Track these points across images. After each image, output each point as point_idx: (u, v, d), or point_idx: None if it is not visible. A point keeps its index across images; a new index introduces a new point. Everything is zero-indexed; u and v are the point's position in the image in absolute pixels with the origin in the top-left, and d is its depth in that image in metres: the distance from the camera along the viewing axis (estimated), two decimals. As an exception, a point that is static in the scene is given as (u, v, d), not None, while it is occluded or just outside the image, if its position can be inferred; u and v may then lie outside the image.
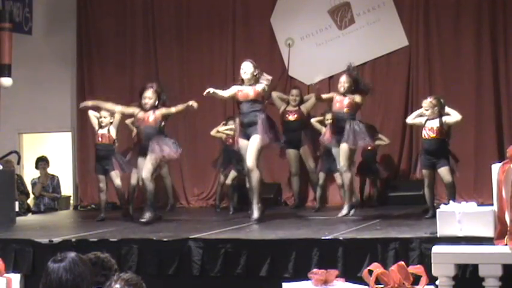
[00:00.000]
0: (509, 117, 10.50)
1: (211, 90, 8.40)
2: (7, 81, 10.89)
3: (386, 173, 10.61)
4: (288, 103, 10.41)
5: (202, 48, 11.77)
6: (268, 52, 11.49)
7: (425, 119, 8.42)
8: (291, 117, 10.32)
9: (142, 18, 12.15)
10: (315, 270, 4.42)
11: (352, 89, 8.64)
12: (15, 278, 5.34)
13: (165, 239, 7.08)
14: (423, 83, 10.83)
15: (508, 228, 5.72)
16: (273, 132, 8.47)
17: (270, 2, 11.56)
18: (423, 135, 8.47)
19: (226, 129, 10.20)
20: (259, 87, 8.43)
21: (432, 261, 5.83)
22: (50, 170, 11.97)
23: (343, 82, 8.67)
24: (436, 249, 5.91)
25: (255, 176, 8.34)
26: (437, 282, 5.64)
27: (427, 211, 8.27)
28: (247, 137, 8.36)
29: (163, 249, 6.95)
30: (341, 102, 8.63)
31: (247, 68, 8.51)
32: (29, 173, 12.31)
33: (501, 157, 8.56)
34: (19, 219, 9.62)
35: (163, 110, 8.70)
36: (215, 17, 11.79)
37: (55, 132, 13.02)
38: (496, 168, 5.91)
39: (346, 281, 4.40)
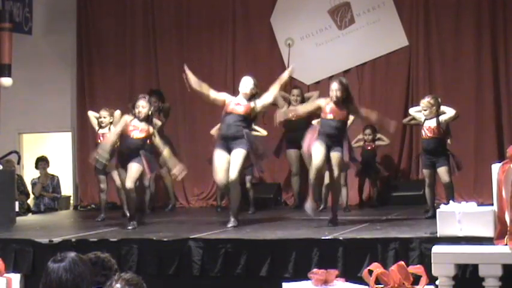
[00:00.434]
0: (509, 117, 10.51)
1: (188, 73, 8.22)
2: (7, 81, 10.89)
3: (386, 173, 10.63)
4: (289, 103, 10.41)
5: (202, 48, 11.76)
6: (268, 52, 11.49)
7: (423, 117, 8.44)
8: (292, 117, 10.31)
9: (143, 18, 12.15)
10: (315, 270, 4.43)
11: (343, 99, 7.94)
12: (15, 278, 5.34)
13: (165, 239, 7.07)
14: (423, 83, 10.83)
15: (508, 228, 5.72)
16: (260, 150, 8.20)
17: (270, 2, 11.56)
18: (422, 135, 8.51)
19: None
20: (252, 103, 8.14)
21: (432, 261, 5.82)
22: (50, 170, 11.98)
23: (335, 90, 7.91)
24: (436, 249, 5.91)
25: (238, 189, 8.18)
26: (437, 282, 5.64)
27: (427, 211, 8.28)
28: (228, 150, 8.01)
29: (163, 249, 6.95)
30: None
31: (247, 83, 8.25)
32: (29, 173, 12.31)
33: (501, 157, 8.55)
34: (19, 219, 9.62)
35: (155, 132, 8.43)
36: (215, 17, 11.79)
37: (55, 132, 13.02)
38: (496, 168, 5.92)
39: (346, 281, 4.40)
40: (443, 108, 8.47)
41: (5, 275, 5.24)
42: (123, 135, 8.37)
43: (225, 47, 11.68)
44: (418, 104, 8.82)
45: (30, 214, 11.35)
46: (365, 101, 10.69)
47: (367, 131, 10.24)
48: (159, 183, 10.94)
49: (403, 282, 4.12)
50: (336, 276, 4.33)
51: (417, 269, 4.33)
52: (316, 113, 8.42)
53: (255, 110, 8.21)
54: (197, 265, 6.81)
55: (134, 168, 8.21)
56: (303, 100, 10.39)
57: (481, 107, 10.60)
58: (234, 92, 8.82)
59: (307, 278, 4.35)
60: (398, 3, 10.98)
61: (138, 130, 8.29)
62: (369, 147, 10.27)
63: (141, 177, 8.54)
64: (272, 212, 9.94)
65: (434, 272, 5.71)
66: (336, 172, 7.85)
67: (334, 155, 7.78)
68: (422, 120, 8.47)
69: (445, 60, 10.80)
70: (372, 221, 8.16)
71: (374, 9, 11.10)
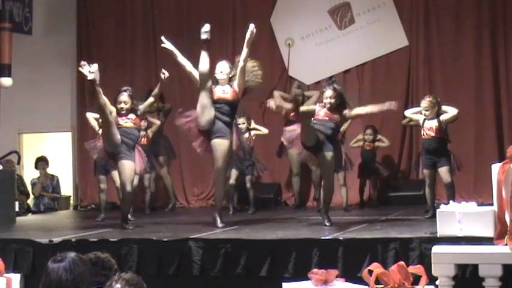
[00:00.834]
0: (509, 117, 10.51)
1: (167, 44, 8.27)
2: (7, 81, 10.90)
3: (386, 173, 10.62)
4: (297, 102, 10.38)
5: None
6: (268, 52, 11.48)
7: (423, 118, 8.43)
8: (293, 117, 10.31)
9: (143, 18, 12.15)
10: (315, 270, 4.43)
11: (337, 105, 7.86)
12: (15, 278, 5.35)
13: (165, 239, 7.07)
14: (423, 83, 10.83)
15: (508, 228, 5.72)
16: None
17: (270, 2, 11.56)
18: (423, 135, 8.49)
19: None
20: (235, 85, 8.06)
21: (432, 261, 5.82)
22: (50, 170, 11.98)
23: (329, 97, 7.81)
24: (436, 249, 5.91)
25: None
26: (437, 282, 5.63)
27: (427, 211, 8.28)
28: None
29: (163, 249, 6.95)
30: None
31: (223, 68, 8.21)
32: (29, 173, 12.31)
33: (501, 157, 8.56)
34: (19, 219, 9.62)
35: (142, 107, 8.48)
36: (215, 17, 11.75)
37: (55, 132, 13.02)
38: (496, 168, 5.91)
39: (346, 281, 4.40)
40: (444, 108, 8.46)
41: (5, 275, 5.24)
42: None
43: (225, 47, 11.67)
44: (418, 105, 8.81)
45: (30, 214, 11.35)
46: (365, 101, 10.67)
47: (368, 131, 10.24)
48: (159, 183, 10.94)
49: (403, 282, 4.12)
50: (336, 276, 4.33)
51: (417, 269, 4.34)
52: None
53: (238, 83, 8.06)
54: (197, 265, 6.81)
55: (127, 167, 8.10)
56: (304, 100, 10.38)
57: (481, 107, 10.60)
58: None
59: (307, 278, 4.35)
60: (398, 3, 10.99)
61: (129, 120, 8.31)
62: (368, 148, 10.27)
63: (141, 178, 8.51)
64: (272, 212, 9.94)
65: (434, 272, 5.70)
66: (326, 172, 7.90)
67: (326, 155, 7.72)
68: (421, 121, 8.46)
69: (445, 60, 10.80)
70: (372, 221, 8.16)
71: (374, 9, 11.10)
